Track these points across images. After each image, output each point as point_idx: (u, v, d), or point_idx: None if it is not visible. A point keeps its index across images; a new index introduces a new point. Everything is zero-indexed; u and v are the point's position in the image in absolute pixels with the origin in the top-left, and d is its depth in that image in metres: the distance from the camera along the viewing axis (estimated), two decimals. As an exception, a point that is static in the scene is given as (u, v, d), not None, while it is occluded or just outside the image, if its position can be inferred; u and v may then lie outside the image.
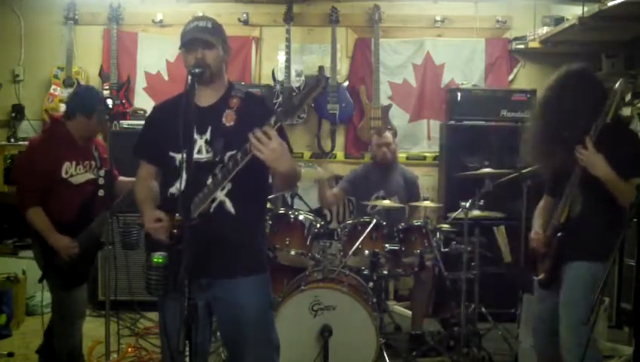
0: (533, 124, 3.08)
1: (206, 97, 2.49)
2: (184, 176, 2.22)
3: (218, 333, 3.60)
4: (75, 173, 3.47)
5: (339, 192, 4.91)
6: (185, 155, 2.20)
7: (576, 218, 2.88)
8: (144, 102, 5.84)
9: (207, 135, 2.44)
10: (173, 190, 2.47)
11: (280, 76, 5.83)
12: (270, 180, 2.55)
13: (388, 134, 4.86)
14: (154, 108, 2.89)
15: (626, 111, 4.89)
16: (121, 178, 3.71)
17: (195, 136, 2.41)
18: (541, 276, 3.05)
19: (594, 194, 2.81)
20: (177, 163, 2.45)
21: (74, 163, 3.47)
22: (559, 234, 2.92)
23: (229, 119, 2.47)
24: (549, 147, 2.97)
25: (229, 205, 2.43)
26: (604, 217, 2.84)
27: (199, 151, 2.43)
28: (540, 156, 3.06)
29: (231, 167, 2.30)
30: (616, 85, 2.79)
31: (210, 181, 2.38)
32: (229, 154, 2.38)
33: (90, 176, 3.53)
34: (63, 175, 3.43)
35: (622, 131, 2.90)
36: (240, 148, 2.29)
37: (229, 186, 2.40)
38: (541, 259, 3.06)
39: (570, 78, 2.95)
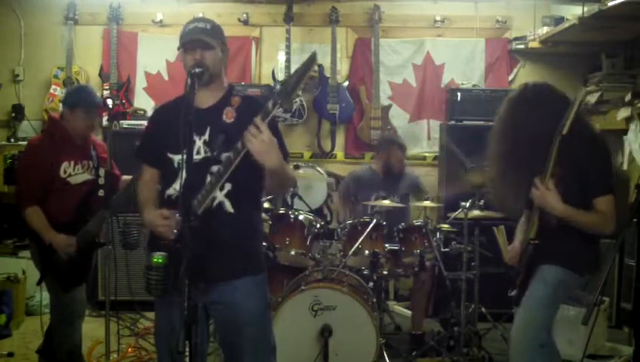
0: (493, 161, 2.95)
1: (205, 99, 2.48)
2: (182, 176, 2.22)
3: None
4: (74, 173, 3.48)
5: (347, 203, 4.95)
6: (184, 155, 2.20)
7: (552, 230, 2.77)
8: (144, 102, 5.84)
9: (206, 136, 2.44)
10: (170, 191, 2.46)
11: (280, 76, 5.83)
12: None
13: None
14: (154, 110, 2.89)
15: (626, 112, 4.89)
16: (124, 177, 3.71)
17: (194, 137, 2.40)
18: (514, 292, 2.95)
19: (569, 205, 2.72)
20: (176, 164, 2.45)
21: (72, 163, 3.47)
22: (530, 247, 2.84)
23: (229, 116, 2.47)
24: (513, 178, 2.85)
25: (228, 206, 2.43)
26: (579, 230, 2.74)
27: (197, 152, 2.42)
28: (509, 191, 2.92)
29: (232, 157, 2.29)
30: (577, 96, 2.65)
31: (209, 179, 2.38)
32: (225, 155, 2.37)
33: (87, 176, 3.54)
34: (62, 175, 3.43)
35: (584, 144, 2.73)
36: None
37: (228, 187, 2.39)
38: (515, 274, 2.97)
39: (520, 102, 2.85)
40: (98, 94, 5.54)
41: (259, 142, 2.18)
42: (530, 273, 2.85)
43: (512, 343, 2.82)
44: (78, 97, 3.53)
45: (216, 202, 2.40)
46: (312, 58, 2.18)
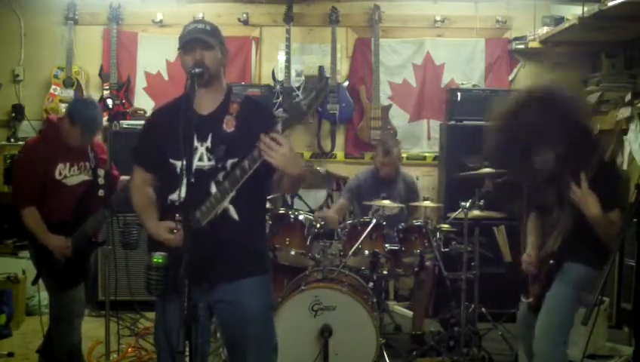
0: (504, 130, 3.02)
1: (206, 103, 2.48)
2: (184, 182, 2.23)
3: (218, 334, 3.62)
4: (69, 174, 3.48)
5: (344, 203, 4.89)
6: (185, 162, 2.19)
7: (569, 234, 2.94)
8: (144, 102, 5.84)
9: (208, 142, 2.44)
10: (174, 197, 2.44)
11: (280, 76, 5.83)
12: (275, 182, 2.55)
13: (395, 152, 4.77)
14: (152, 113, 2.88)
15: (626, 112, 4.89)
16: (123, 177, 3.71)
17: (196, 143, 2.40)
18: (530, 299, 3.08)
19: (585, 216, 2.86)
20: (178, 170, 2.42)
21: (67, 164, 3.47)
22: (551, 261, 2.97)
23: (229, 125, 2.46)
24: (516, 157, 2.99)
25: (232, 212, 2.43)
26: (594, 232, 2.88)
27: (200, 159, 2.42)
28: (507, 163, 3.10)
29: (239, 175, 2.30)
30: (624, 137, 2.84)
31: (215, 189, 2.38)
32: (230, 161, 2.39)
33: (84, 177, 3.54)
34: (57, 176, 3.44)
35: (607, 165, 2.93)
36: (241, 154, 2.30)
37: (232, 193, 2.39)
38: (532, 281, 3.08)
39: (547, 103, 2.91)
40: (97, 94, 5.65)
41: (281, 155, 2.18)
42: (549, 281, 2.98)
43: (536, 341, 2.92)
44: (82, 116, 3.46)
45: (221, 208, 2.40)
46: (324, 84, 2.21)
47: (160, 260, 2.32)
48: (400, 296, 5.62)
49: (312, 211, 4.96)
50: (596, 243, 2.87)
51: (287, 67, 5.77)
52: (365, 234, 4.05)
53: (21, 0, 5.80)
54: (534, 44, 5.70)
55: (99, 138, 3.83)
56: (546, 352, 2.88)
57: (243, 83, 5.74)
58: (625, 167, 4.85)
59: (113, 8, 5.77)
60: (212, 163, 2.42)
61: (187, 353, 2.14)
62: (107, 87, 5.75)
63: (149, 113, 5.37)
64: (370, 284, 4.05)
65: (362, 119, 5.94)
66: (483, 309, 4.46)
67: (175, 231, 2.38)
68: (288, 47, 5.75)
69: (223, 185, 2.35)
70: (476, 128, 5.36)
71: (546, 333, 2.89)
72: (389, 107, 5.97)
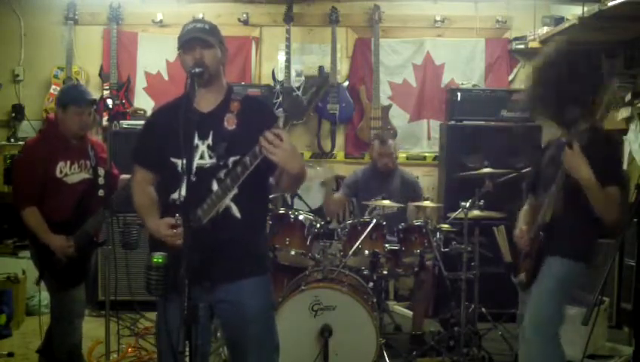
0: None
1: (206, 102, 2.48)
2: (185, 181, 2.23)
3: (218, 334, 3.62)
4: (70, 172, 3.48)
5: (342, 198, 4.90)
6: (185, 161, 2.19)
7: (558, 217, 2.87)
8: (144, 102, 5.84)
9: (209, 140, 2.44)
10: (175, 195, 2.43)
11: (280, 76, 5.83)
12: (274, 180, 2.55)
13: (391, 143, 4.82)
14: (153, 113, 2.88)
15: (626, 112, 4.89)
16: (122, 176, 3.71)
17: (197, 141, 2.41)
18: (521, 276, 3.05)
19: (576, 194, 2.77)
20: (180, 168, 2.41)
21: (68, 162, 3.47)
22: (542, 233, 2.92)
23: (230, 123, 2.46)
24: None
25: (234, 210, 2.43)
26: (584, 218, 2.82)
27: (202, 157, 2.43)
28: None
29: (240, 172, 2.30)
30: (624, 137, 2.81)
31: (216, 187, 2.38)
32: (232, 159, 2.39)
33: (85, 175, 3.53)
34: (57, 174, 3.43)
35: (605, 137, 2.87)
36: (243, 151, 2.29)
37: (234, 191, 2.39)
38: (523, 258, 3.07)
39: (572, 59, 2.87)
40: (97, 94, 5.64)
41: (282, 151, 2.18)
42: (539, 262, 2.93)
43: (525, 338, 2.89)
44: (69, 95, 3.49)
45: (222, 206, 2.40)
46: (325, 79, 2.21)
47: (160, 260, 2.32)
48: (400, 296, 5.62)
49: (311, 211, 4.96)
50: (577, 235, 2.84)
51: (287, 67, 5.77)
52: (365, 234, 4.06)
53: (21, 0, 5.81)
54: (534, 44, 5.69)
55: (98, 138, 3.83)
56: (537, 348, 2.85)
57: (243, 83, 5.74)
58: (625, 167, 4.85)
59: (113, 8, 5.77)
60: (213, 161, 2.42)
61: (187, 353, 2.15)
62: (107, 87, 5.75)
63: (149, 113, 5.38)
64: (370, 284, 4.05)
65: (362, 119, 5.94)
66: (483, 309, 4.46)
67: (176, 229, 2.38)
68: (288, 47, 5.76)
69: (225, 183, 2.35)
70: (476, 128, 5.41)
71: (534, 330, 2.85)
72: (389, 107, 5.97)
